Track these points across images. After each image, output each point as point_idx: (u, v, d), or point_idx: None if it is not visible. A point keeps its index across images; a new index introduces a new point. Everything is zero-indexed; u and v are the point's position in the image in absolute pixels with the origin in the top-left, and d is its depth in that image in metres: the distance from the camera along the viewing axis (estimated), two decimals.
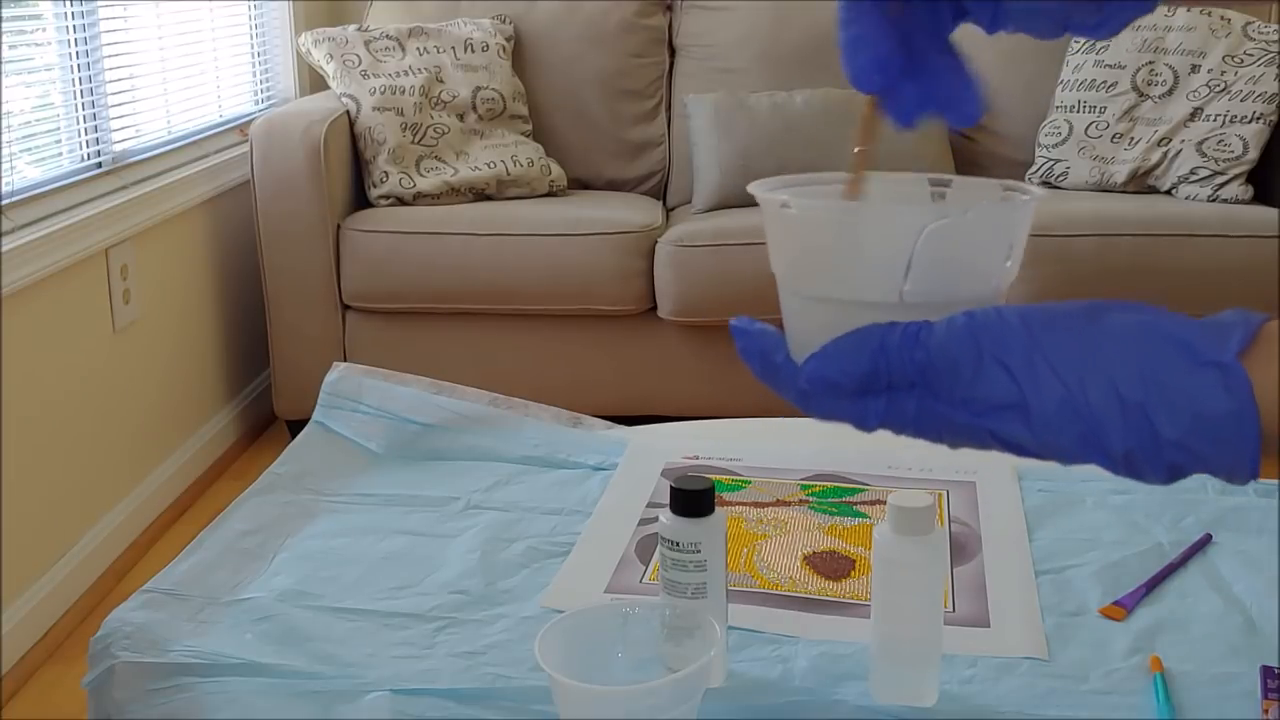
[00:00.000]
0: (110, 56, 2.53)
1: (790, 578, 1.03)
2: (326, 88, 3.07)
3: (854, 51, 0.59)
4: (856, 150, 0.62)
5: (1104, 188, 3.02)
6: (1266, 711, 0.85)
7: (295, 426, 2.32)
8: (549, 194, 3.05)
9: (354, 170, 2.95)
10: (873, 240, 0.60)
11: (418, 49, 3.05)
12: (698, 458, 1.27)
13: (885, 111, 0.61)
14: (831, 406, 0.58)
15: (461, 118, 3.01)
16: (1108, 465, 0.54)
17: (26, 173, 2.27)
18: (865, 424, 0.57)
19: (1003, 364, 0.54)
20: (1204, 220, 2.78)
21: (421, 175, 2.91)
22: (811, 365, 0.57)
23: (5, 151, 2.15)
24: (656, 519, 0.90)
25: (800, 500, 1.17)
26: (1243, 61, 2.97)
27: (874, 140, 0.62)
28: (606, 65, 3.25)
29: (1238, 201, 2.90)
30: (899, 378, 0.56)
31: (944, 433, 0.56)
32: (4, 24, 2.15)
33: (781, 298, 0.63)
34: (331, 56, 3.00)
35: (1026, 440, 0.54)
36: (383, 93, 2.94)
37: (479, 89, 3.05)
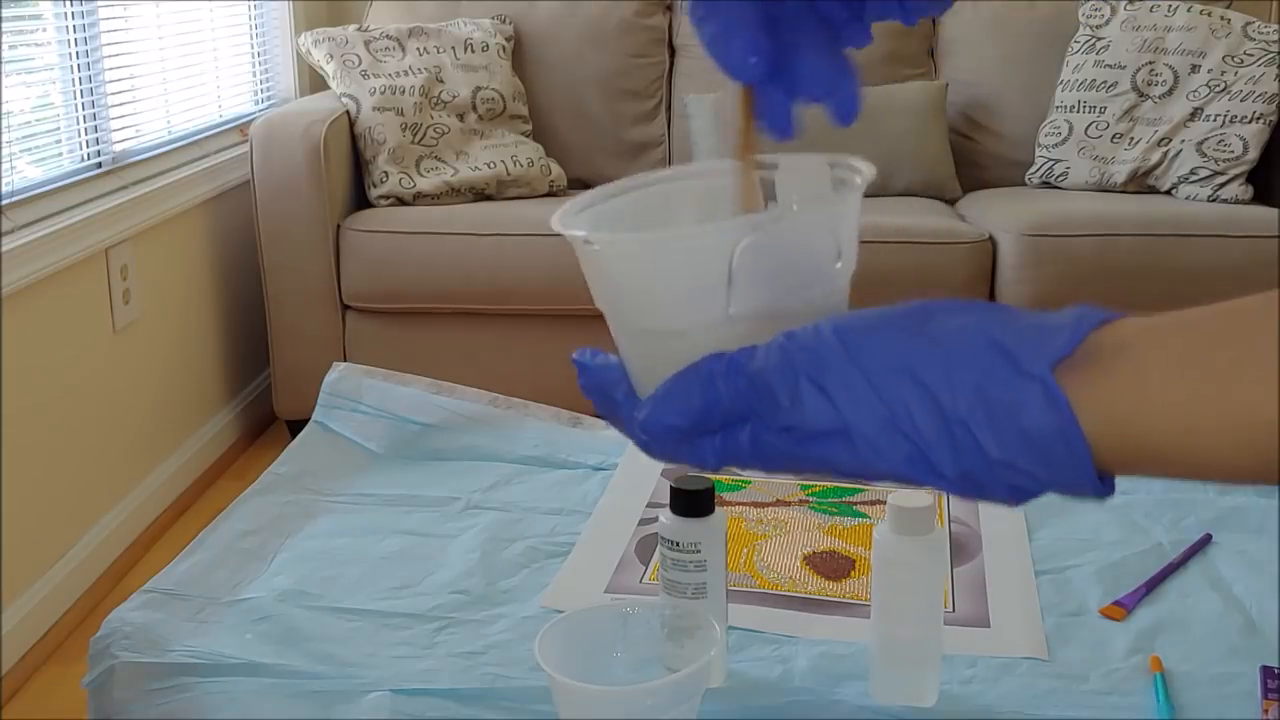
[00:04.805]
0: (110, 56, 2.52)
1: (790, 578, 1.03)
2: (326, 88, 3.07)
3: (726, 36, 0.54)
4: (737, 155, 0.57)
5: (1104, 188, 3.02)
6: (1266, 711, 0.85)
7: (295, 426, 2.32)
8: (549, 194, 3.05)
9: (354, 170, 2.95)
10: (685, 268, 0.54)
11: (418, 49, 3.05)
12: None
13: (758, 115, 0.56)
14: (672, 451, 0.54)
15: (461, 118, 3.01)
16: (946, 487, 0.49)
17: (26, 172, 2.27)
18: (705, 464, 0.53)
19: (819, 386, 0.49)
20: (1204, 220, 2.78)
21: (421, 175, 2.91)
22: (646, 414, 0.53)
23: (5, 151, 2.15)
24: (656, 519, 0.90)
25: (800, 500, 1.17)
26: (1243, 61, 2.97)
27: (755, 146, 0.57)
28: (606, 65, 3.25)
29: (1238, 202, 2.90)
30: (730, 411, 0.51)
31: (782, 465, 0.52)
32: (4, 24, 2.15)
33: (612, 332, 0.58)
34: (331, 56, 3.00)
35: (855, 467, 0.50)
36: (383, 93, 2.94)
37: (479, 89, 3.04)
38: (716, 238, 0.54)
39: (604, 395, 0.57)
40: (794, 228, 0.55)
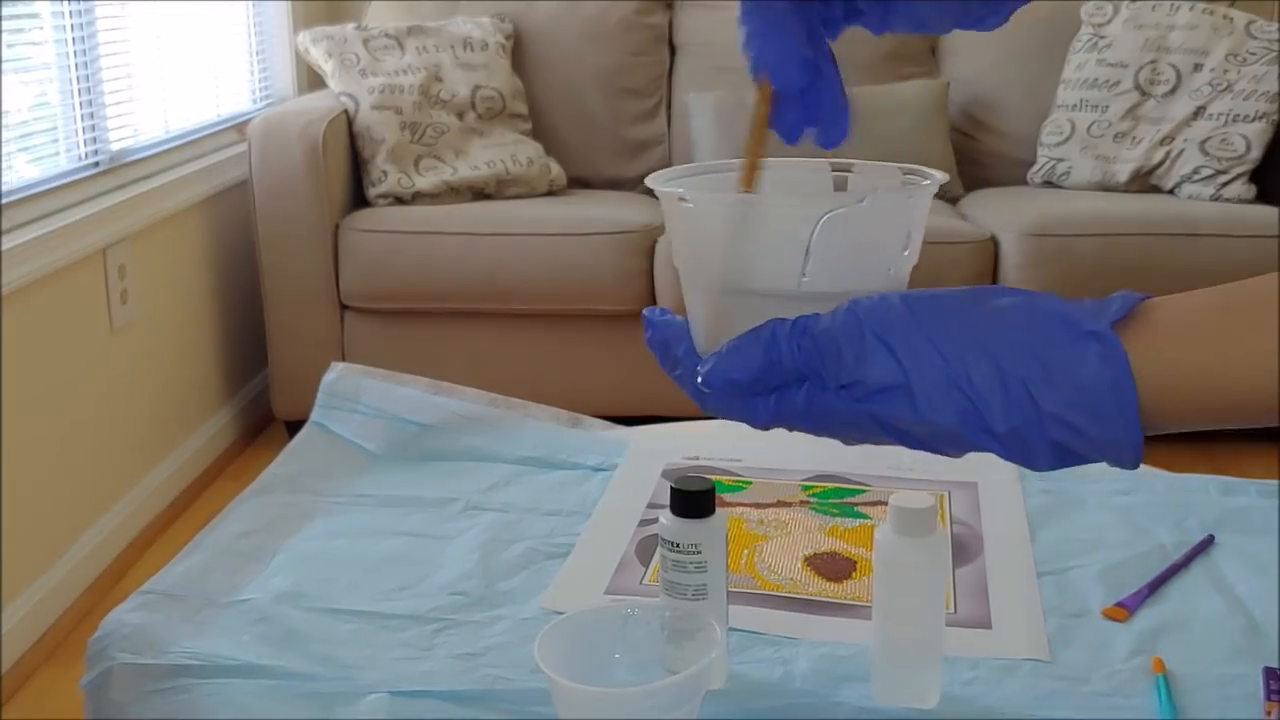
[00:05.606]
0: (107, 55, 2.52)
1: (791, 579, 1.02)
2: (325, 86, 3.07)
3: (769, 40, 0.58)
4: (748, 146, 0.62)
5: (1107, 187, 3.01)
6: (1269, 713, 0.85)
7: (293, 427, 2.31)
8: (548, 193, 3.04)
9: (352, 169, 2.94)
10: (769, 231, 0.60)
11: (416, 47, 3.04)
12: (698, 458, 1.26)
13: (773, 122, 0.60)
14: (726, 405, 0.58)
15: (460, 116, 3.01)
16: (994, 446, 0.53)
17: (24, 172, 2.26)
18: (757, 421, 0.57)
19: (884, 343, 0.54)
20: (1207, 220, 2.78)
21: (420, 174, 2.91)
22: (709, 367, 0.57)
23: (3, 150, 2.14)
24: (657, 520, 0.90)
25: (801, 501, 1.17)
26: (1245, 60, 2.97)
27: (765, 136, 0.61)
28: (607, 63, 3.24)
29: (1240, 201, 2.90)
30: (790, 371, 0.56)
31: (833, 425, 0.56)
32: (1, 22, 2.15)
33: (685, 291, 0.63)
34: (330, 55, 2.99)
35: (909, 422, 0.54)
36: (381, 91, 2.93)
37: (478, 87, 3.04)
38: (804, 208, 0.60)
39: (667, 350, 0.62)
40: (872, 212, 0.60)
